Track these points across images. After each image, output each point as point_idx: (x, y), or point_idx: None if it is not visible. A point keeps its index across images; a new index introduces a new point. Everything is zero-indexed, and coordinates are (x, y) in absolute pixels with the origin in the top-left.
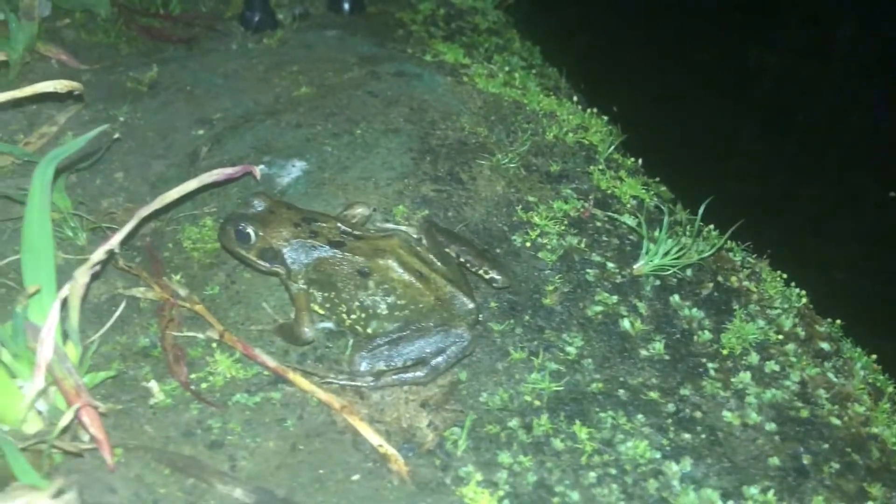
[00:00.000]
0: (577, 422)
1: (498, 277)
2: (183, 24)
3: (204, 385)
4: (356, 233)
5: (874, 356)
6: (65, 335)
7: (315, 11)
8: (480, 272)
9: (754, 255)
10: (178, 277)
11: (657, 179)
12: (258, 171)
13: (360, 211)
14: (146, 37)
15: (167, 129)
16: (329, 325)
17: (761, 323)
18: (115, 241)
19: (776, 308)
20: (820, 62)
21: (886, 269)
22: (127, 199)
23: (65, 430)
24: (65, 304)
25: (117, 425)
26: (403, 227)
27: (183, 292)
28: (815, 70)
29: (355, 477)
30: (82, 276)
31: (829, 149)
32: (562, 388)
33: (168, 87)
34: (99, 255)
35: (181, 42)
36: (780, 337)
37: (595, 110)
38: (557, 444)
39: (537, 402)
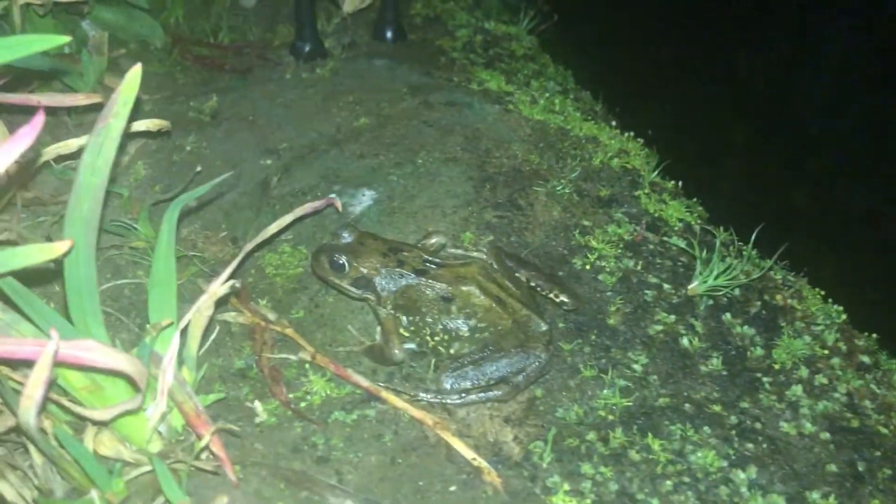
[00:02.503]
0: (650, 434)
1: (567, 300)
2: (234, 54)
3: (303, 404)
4: (437, 261)
5: None
6: (181, 362)
7: (360, 40)
8: (551, 296)
9: (793, 273)
10: (264, 302)
11: (695, 200)
12: (339, 203)
13: (436, 240)
14: (200, 66)
15: (235, 159)
16: (412, 345)
17: (807, 339)
18: (226, 275)
19: (819, 324)
20: (857, 76)
21: None
22: (203, 227)
23: (186, 449)
24: (183, 332)
25: (229, 444)
26: (475, 254)
27: (272, 316)
28: (849, 85)
29: (452, 488)
30: (206, 308)
31: (861, 163)
32: (632, 403)
33: (229, 116)
34: (223, 289)
35: (235, 72)
36: (825, 351)
37: (632, 134)
38: (634, 455)
39: (611, 417)
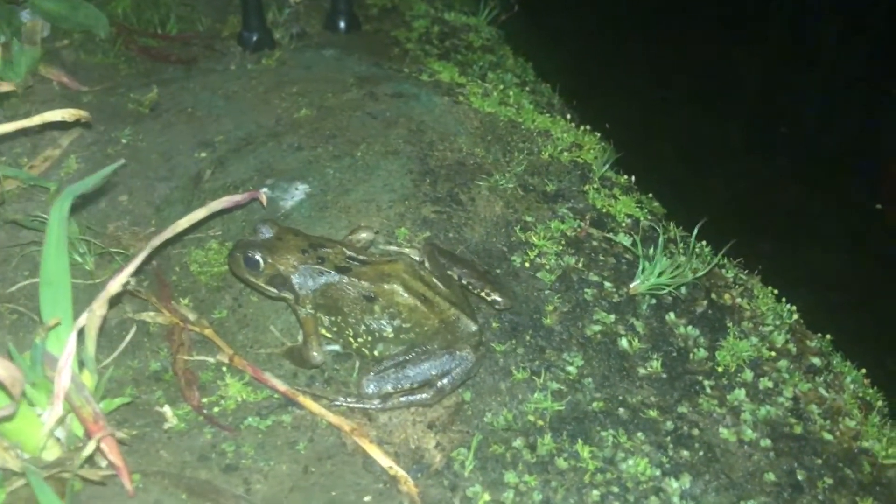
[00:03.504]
0: (580, 441)
1: (500, 300)
2: (181, 44)
3: (216, 409)
4: (361, 258)
5: (863, 370)
6: (80, 364)
7: (311, 30)
8: (482, 294)
9: (746, 271)
10: (186, 301)
11: (650, 196)
12: (264, 196)
13: (364, 235)
14: (145, 57)
15: (170, 152)
16: (336, 347)
17: (754, 340)
18: (127, 273)
19: (768, 325)
20: (807, 75)
21: (874, 283)
22: (132, 222)
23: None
24: (80, 333)
25: (133, 451)
26: (406, 250)
27: (192, 316)
28: (803, 83)
29: (367, 498)
30: (99, 308)
31: (817, 163)
32: (563, 408)
33: (169, 108)
34: (116, 287)
35: (180, 62)
36: (773, 353)
37: (588, 127)
38: (561, 463)
39: (540, 422)
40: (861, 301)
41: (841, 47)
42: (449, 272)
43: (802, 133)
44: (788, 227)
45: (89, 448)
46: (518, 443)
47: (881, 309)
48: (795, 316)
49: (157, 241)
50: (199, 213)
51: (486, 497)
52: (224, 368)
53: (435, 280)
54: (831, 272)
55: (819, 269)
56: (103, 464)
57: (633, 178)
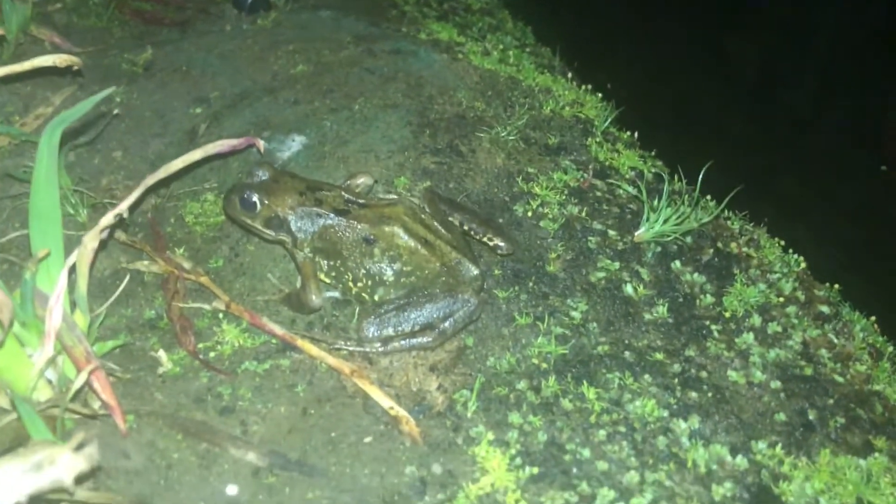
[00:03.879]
0: (585, 383)
1: (502, 245)
2: (175, 7)
3: (212, 354)
4: (360, 201)
5: (873, 318)
6: (73, 304)
7: None
8: (485, 240)
9: (752, 224)
10: (181, 251)
11: (653, 153)
12: (261, 143)
13: (363, 180)
14: (139, 20)
15: (164, 109)
16: (335, 294)
17: (762, 287)
18: (123, 207)
19: (776, 272)
20: (811, 39)
21: (881, 238)
22: (126, 176)
23: (77, 396)
24: (72, 274)
25: (127, 394)
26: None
27: (187, 265)
28: (806, 48)
29: (367, 439)
30: (91, 240)
31: (825, 121)
32: (568, 351)
33: (163, 68)
34: (108, 219)
35: (174, 25)
36: (781, 300)
37: (589, 87)
38: (566, 404)
39: (544, 365)
40: (869, 257)
41: (846, 14)
42: (450, 218)
43: (806, 97)
44: (794, 184)
45: (79, 380)
46: (522, 385)
47: (887, 265)
48: (803, 265)
49: (151, 180)
50: (195, 155)
51: (490, 436)
52: (220, 315)
53: (436, 224)
54: (838, 228)
55: (825, 225)
56: (97, 405)
57: (635, 134)
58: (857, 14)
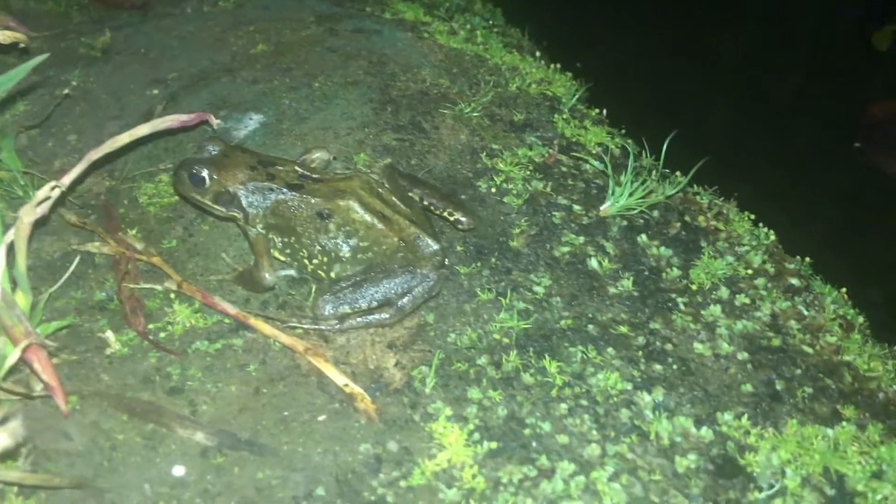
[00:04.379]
0: (547, 357)
1: (463, 219)
2: None
3: (162, 335)
4: (315, 176)
5: (844, 290)
6: (13, 283)
7: None
8: (445, 214)
9: (722, 199)
10: (133, 232)
11: (622, 130)
12: (214, 119)
13: (318, 155)
14: (99, 4)
15: (121, 91)
16: (291, 272)
17: (730, 259)
18: (65, 180)
19: (745, 245)
20: (788, 21)
21: (853, 213)
22: (81, 159)
23: (19, 378)
24: (11, 252)
25: (72, 375)
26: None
27: (139, 245)
28: (783, 30)
29: (321, 417)
30: (27, 215)
31: (799, 104)
32: (530, 326)
33: (122, 51)
34: (44, 191)
35: (134, 8)
36: (750, 272)
37: (558, 66)
38: (527, 378)
39: (506, 340)
40: (842, 231)
41: None
42: (410, 194)
43: (780, 77)
44: (766, 161)
45: (13, 357)
46: (482, 360)
47: (858, 239)
48: (773, 237)
49: (95, 154)
50: (143, 129)
51: (448, 412)
52: (172, 296)
53: (394, 199)
54: (810, 203)
55: (797, 200)
56: (38, 387)
57: (603, 111)
58: (845, 13)
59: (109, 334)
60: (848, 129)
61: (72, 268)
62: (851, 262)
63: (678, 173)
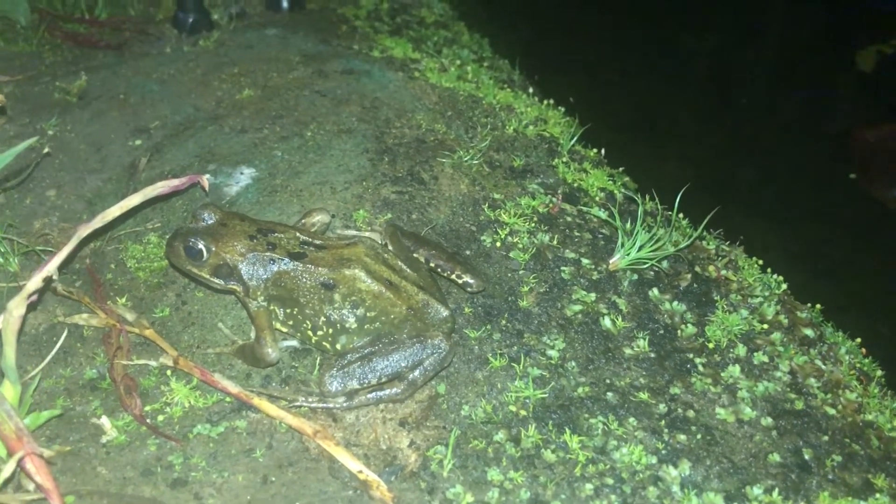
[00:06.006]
0: (567, 430)
1: (472, 281)
2: (111, 29)
3: (161, 417)
4: (317, 242)
5: (858, 339)
6: (0, 374)
7: (252, 10)
8: (453, 277)
9: (728, 243)
10: (123, 300)
11: (621, 169)
12: (206, 180)
13: (319, 218)
14: (72, 44)
15: (101, 141)
16: (294, 343)
17: (744, 313)
18: (51, 267)
19: (757, 296)
20: (772, 46)
21: (853, 250)
22: (62, 218)
23: (8, 480)
24: None
25: (66, 469)
26: (367, 234)
27: (130, 316)
28: (767, 55)
29: None
30: (17, 307)
31: (787, 133)
32: (547, 395)
33: (99, 95)
34: (35, 283)
35: (110, 48)
36: (765, 326)
37: (551, 101)
38: (549, 455)
39: (523, 412)
40: (844, 268)
41: (807, 18)
42: (415, 255)
43: (768, 105)
44: (763, 199)
45: (9, 468)
46: (500, 436)
47: (864, 275)
48: (784, 286)
49: (84, 231)
50: (133, 200)
51: (469, 498)
52: (168, 372)
53: (400, 263)
54: (811, 242)
55: (799, 240)
56: (31, 487)
57: (602, 151)
58: (833, 30)
59: (105, 420)
60: (842, 158)
61: (59, 343)
62: (859, 299)
63: (682, 215)
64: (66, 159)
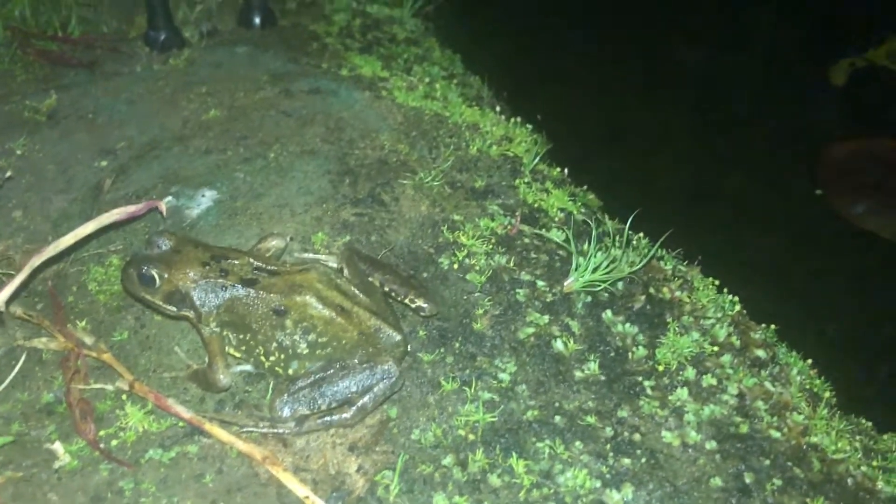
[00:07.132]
0: (514, 454)
1: (425, 306)
2: (84, 47)
3: (114, 442)
4: (270, 268)
5: (809, 360)
6: None
7: (224, 27)
8: (406, 301)
9: (685, 262)
10: (83, 324)
11: (584, 188)
12: (164, 205)
13: (274, 243)
14: (44, 61)
15: (68, 162)
16: (247, 367)
17: (696, 335)
18: (2, 298)
19: (710, 318)
20: (741, 60)
21: (816, 270)
22: (27, 239)
23: None
24: None
25: (18, 495)
26: (323, 257)
27: (89, 340)
28: (736, 69)
29: None
30: None
31: (756, 148)
32: (496, 419)
33: (68, 115)
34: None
35: (82, 66)
36: (716, 348)
37: (518, 119)
38: (494, 480)
39: (472, 436)
40: (804, 288)
41: (774, 33)
42: (370, 279)
43: (737, 120)
44: (727, 216)
45: None
46: (448, 460)
47: (824, 296)
48: (738, 307)
49: (37, 261)
50: (87, 228)
51: None
52: (124, 396)
53: (353, 289)
54: (773, 260)
55: (760, 258)
56: None
57: (565, 170)
58: (800, 47)
59: (58, 445)
60: (811, 174)
61: (17, 367)
62: (816, 320)
63: (641, 234)
64: (33, 180)
